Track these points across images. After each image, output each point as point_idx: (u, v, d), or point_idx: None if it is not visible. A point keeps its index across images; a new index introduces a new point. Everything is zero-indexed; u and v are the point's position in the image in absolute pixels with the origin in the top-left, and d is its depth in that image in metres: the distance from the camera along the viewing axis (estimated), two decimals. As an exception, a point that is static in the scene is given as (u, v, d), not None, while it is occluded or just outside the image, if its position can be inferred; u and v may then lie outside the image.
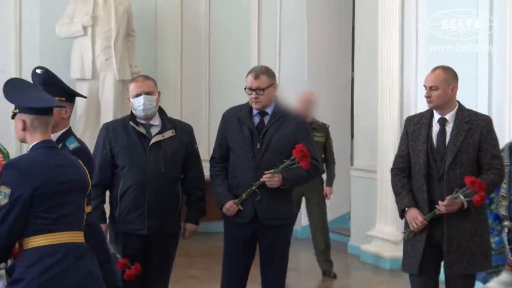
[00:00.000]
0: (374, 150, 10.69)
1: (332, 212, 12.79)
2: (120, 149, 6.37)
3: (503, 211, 8.55)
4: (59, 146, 5.41)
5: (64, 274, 4.39)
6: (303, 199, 10.07)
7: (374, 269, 10.46)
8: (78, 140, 5.72)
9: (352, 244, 11.80)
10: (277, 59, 13.36)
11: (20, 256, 4.48)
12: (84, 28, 12.38)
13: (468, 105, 6.38)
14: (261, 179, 6.23)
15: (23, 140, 4.67)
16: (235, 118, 6.45)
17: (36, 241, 4.41)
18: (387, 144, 10.32)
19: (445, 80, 5.99)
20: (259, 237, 6.40)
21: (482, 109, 8.86)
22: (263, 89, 6.30)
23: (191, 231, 6.63)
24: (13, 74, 12.38)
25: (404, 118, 7.00)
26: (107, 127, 6.57)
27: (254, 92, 6.31)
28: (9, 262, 4.60)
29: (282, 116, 6.39)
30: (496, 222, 8.58)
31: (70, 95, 5.63)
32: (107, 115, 11.76)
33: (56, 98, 5.24)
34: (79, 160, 4.79)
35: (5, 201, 4.36)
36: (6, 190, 4.36)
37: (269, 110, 6.39)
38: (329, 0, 13.09)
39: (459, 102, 6.05)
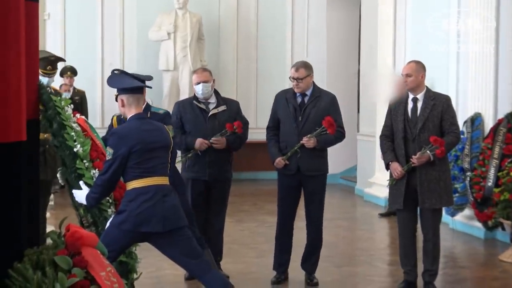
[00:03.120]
0: (374, 120, 10.63)
1: (345, 165, 12.82)
2: (187, 119, 6.35)
3: (466, 165, 8.50)
4: (148, 113, 5.45)
5: (154, 207, 4.41)
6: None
7: (373, 206, 10.41)
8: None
9: (358, 188, 11.76)
10: (305, 56, 13.26)
11: (124, 195, 4.52)
12: (168, 34, 12.39)
13: (441, 89, 6.33)
14: (301, 142, 6.12)
15: (124, 115, 4.69)
16: (283, 98, 6.30)
17: (134, 184, 4.44)
18: (383, 116, 10.17)
19: (416, 69, 5.94)
20: (303, 184, 6.28)
21: (452, 93, 8.80)
22: (302, 79, 6.15)
23: (221, 141, 6.27)
24: (118, 66, 12.48)
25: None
26: (179, 104, 6.57)
27: (295, 81, 6.18)
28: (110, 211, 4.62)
29: (318, 96, 6.25)
30: (461, 173, 8.53)
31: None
32: (184, 95, 11.72)
33: None
34: (164, 126, 4.79)
35: (109, 157, 4.41)
36: (111, 150, 4.41)
37: (308, 92, 6.23)
38: (342, 15, 12.95)
39: (427, 87, 6.00)
